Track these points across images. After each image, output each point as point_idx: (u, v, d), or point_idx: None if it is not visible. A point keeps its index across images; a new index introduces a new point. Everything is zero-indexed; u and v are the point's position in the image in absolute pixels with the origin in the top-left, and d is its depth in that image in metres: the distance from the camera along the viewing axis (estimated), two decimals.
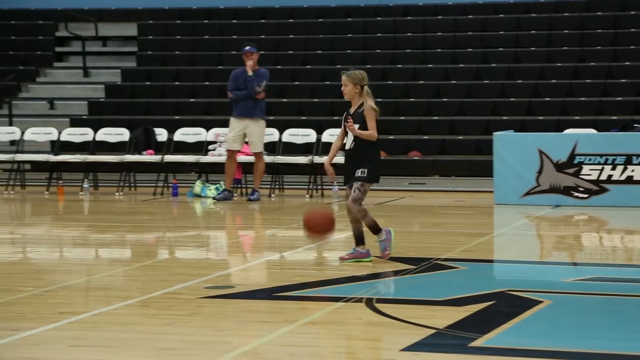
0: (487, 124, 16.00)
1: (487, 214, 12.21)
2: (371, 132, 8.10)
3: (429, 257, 8.43)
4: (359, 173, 8.12)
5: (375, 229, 8.19)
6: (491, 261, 8.89)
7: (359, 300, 6.55)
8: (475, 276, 7.80)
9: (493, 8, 18.61)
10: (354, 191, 8.14)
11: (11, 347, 5.33)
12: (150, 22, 19.73)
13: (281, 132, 15.07)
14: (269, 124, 15.58)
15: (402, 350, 5.22)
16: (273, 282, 7.41)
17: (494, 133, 13.31)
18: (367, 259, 8.12)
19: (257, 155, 13.68)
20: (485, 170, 14.36)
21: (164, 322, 5.96)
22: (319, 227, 8.15)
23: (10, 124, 17.27)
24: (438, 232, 10.70)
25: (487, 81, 17.08)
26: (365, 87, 8.13)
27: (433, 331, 5.68)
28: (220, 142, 14.76)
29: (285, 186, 15.05)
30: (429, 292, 7.08)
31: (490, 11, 18.58)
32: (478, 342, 5.47)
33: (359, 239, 8.21)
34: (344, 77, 8.16)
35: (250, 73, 13.45)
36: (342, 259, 8.20)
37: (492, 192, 13.11)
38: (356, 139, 8.11)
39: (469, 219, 11.83)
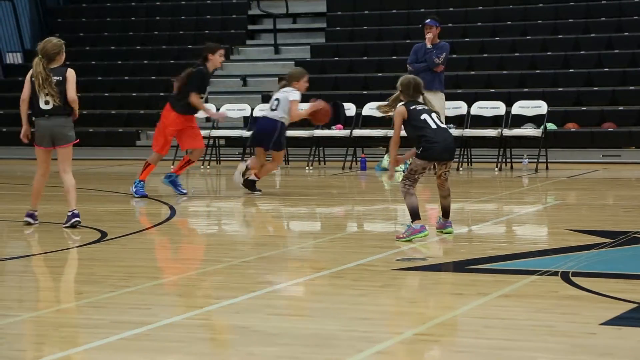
0: None
1: None
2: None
3: (627, 231, 8.17)
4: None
5: (413, 216, 7.87)
6: None
7: (554, 273, 6.43)
8: None
9: None
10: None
11: (216, 314, 5.54)
12: None
13: (469, 105, 14.92)
14: (457, 97, 15.47)
15: (602, 324, 5.09)
16: (464, 255, 7.37)
17: None
18: (422, 234, 7.83)
19: None
20: None
21: (359, 293, 6.04)
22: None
23: (206, 101, 17.81)
24: (635, 205, 10.34)
25: None
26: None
27: (635, 305, 5.51)
28: None
29: (473, 159, 14.91)
30: (628, 265, 6.87)
31: None
32: None
33: (445, 213, 8.17)
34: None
35: (429, 46, 13.40)
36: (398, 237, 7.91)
37: None
38: None
39: None
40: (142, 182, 11.17)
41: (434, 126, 7.97)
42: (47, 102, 8.63)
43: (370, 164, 14.69)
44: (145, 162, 11.24)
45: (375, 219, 10.00)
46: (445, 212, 8.22)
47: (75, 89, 8.64)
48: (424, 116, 7.99)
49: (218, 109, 16.14)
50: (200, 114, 16.44)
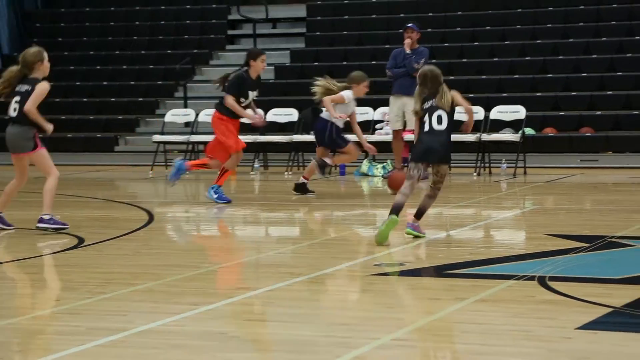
0: None
1: None
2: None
3: (604, 235, 8.21)
4: None
5: (393, 209, 7.98)
6: None
7: (531, 278, 6.45)
8: None
9: None
10: None
11: (193, 320, 5.52)
12: (319, 2, 19.92)
13: None
14: None
15: (578, 328, 5.11)
16: (442, 260, 7.39)
17: None
18: (387, 220, 7.87)
19: None
20: None
21: (336, 299, 6.04)
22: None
23: (185, 106, 17.84)
24: (612, 210, 10.40)
25: None
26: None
27: (610, 310, 5.54)
28: (387, 121, 14.79)
29: (452, 164, 14.92)
30: (605, 270, 6.90)
31: None
32: None
33: (418, 212, 8.24)
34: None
35: (408, 51, 13.39)
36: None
37: None
38: None
39: None
40: (220, 188, 11.01)
41: (426, 128, 8.14)
42: (14, 110, 8.63)
43: (349, 169, 14.69)
44: (222, 168, 11.03)
45: (353, 224, 10.01)
46: (419, 212, 8.26)
47: (35, 102, 8.50)
48: (425, 117, 8.16)
49: (197, 114, 16.14)
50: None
